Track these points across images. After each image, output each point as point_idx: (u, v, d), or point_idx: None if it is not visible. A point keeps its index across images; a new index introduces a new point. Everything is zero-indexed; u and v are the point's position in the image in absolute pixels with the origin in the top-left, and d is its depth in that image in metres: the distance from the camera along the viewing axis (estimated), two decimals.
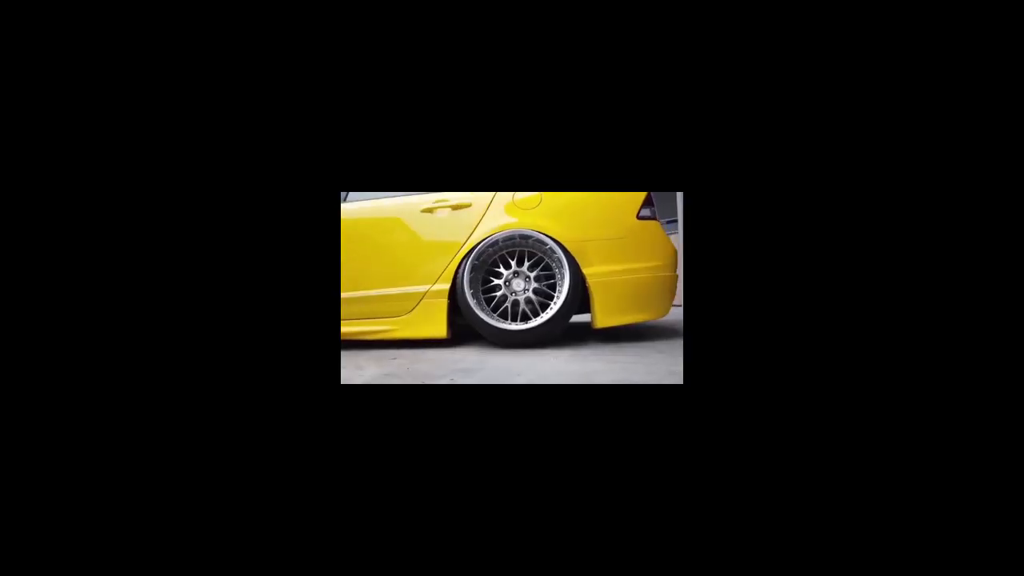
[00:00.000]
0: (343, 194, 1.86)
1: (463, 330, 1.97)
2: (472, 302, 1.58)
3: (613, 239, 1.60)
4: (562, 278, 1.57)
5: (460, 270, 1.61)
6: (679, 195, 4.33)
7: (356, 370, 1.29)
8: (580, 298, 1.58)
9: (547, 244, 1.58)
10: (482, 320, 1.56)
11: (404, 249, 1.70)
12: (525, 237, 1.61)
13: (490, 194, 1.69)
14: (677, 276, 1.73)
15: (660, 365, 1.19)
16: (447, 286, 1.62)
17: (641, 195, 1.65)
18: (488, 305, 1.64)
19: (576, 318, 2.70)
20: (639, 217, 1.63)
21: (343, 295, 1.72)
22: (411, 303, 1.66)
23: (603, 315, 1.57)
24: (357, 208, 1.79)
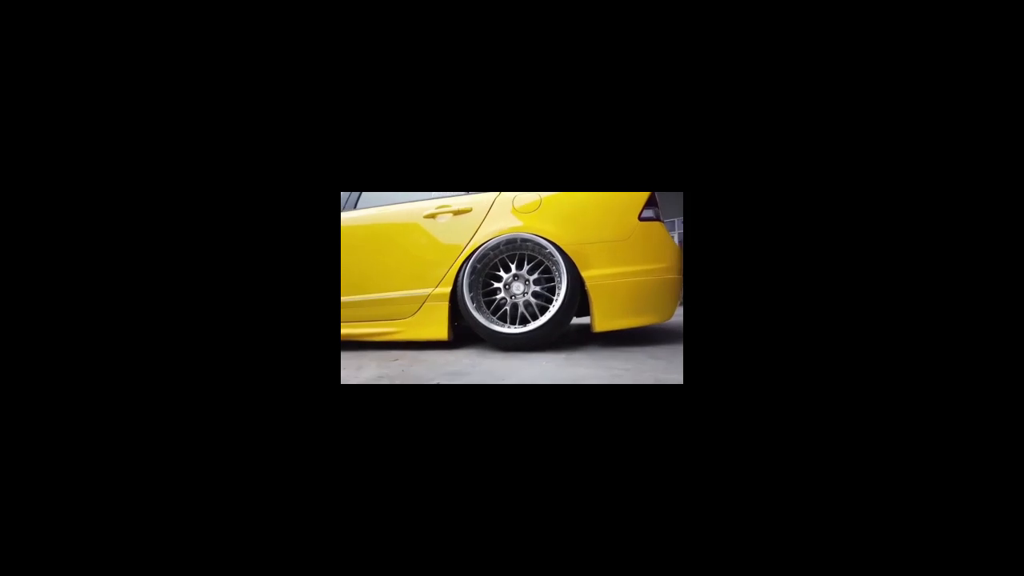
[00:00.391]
0: (356, 197, 1.94)
1: (468, 332, 2.00)
2: (471, 305, 1.61)
3: (613, 241, 1.57)
4: (560, 282, 1.56)
5: (460, 274, 1.64)
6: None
7: (356, 371, 1.36)
8: (579, 301, 1.56)
9: (546, 248, 1.58)
10: (479, 323, 1.59)
11: (408, 254, 1.75)
12: (524, 241, 1.61)
13: (490, 199, 1.70)
14: (682, 279, 1.67)
15: (650, 372, 1.17)
16: (448, 290, 1.66)
17: (644, 195, 1.60)
18: (489, 308, 1.66)
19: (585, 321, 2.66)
20: (641, 218, 1.59)
21: (353, 298, 1.80)
22: (414, 306, 1.71)
23: (602, 319, 1.55)
24: (365, 215, 1.86)
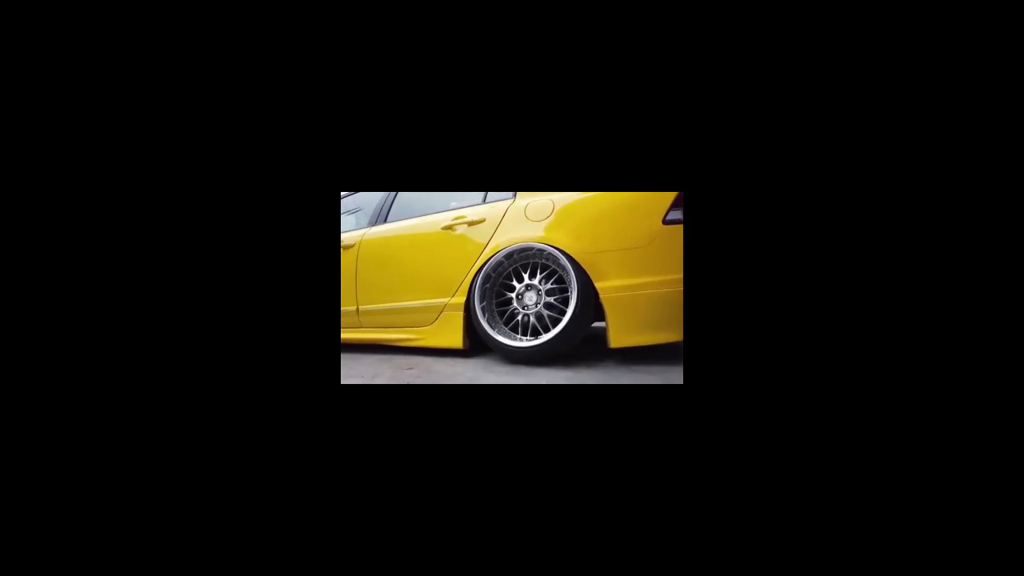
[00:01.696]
0: (387, 211, 2.03)
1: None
2: (482, 316, 1.60)
3: (631, 249, 1.43)
4: (572, 293, 1.47)
5: (473, 284, 1.64)
6: None
7: (371, 379, 1.43)
8: (592, 314, 1.46)
9: (560, 257, 1.49)
10: (487, 334, 1.57)
11: (428, 265, 1.80)
12: (537, 250, 1.55)
13: (503, 208, 1.67)
14: None
15: None
16: (463, 299, 1.66)
17: (670, 196, 1.43)
18: (503, 318, 1.63)
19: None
20: (666, 222, 1.42)
21: (381, 306, 1.91)
22: (433, 315, 1.75)
23: (617, 334, 1.42)
24: (393, 227, 1.95)
